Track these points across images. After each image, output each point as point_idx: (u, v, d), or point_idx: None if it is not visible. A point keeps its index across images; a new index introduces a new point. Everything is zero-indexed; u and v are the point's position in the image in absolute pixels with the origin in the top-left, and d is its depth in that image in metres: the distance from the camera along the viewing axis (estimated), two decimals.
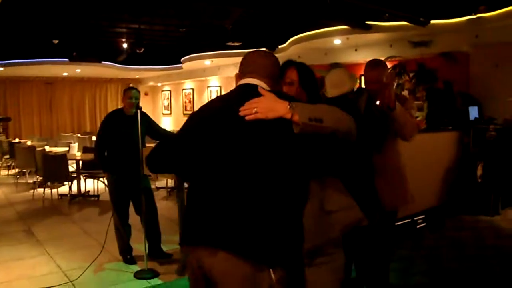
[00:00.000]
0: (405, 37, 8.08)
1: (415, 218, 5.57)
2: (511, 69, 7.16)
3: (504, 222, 5.98)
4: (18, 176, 9.90)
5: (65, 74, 15.48)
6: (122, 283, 4.21)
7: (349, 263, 2.94)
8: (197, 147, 1.82)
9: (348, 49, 9.60)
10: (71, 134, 14.25)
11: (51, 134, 15.55)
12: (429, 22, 7.10)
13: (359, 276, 3.28)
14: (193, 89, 16.13)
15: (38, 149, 8.75)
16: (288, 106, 1.70)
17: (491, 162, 6.34)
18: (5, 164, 11.39)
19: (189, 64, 13.16)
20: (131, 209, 4.73)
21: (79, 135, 13.54)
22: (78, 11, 8.11)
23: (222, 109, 1.86)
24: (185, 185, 4.05)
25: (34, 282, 4.22)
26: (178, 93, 17.10)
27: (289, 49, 9.85)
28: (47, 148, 9.73)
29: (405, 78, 7.97)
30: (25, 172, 10.05)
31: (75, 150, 10.27)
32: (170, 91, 17.68)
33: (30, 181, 9.47)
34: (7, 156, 11.01)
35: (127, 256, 4.70)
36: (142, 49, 9.51)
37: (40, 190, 7.98)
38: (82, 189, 8.23)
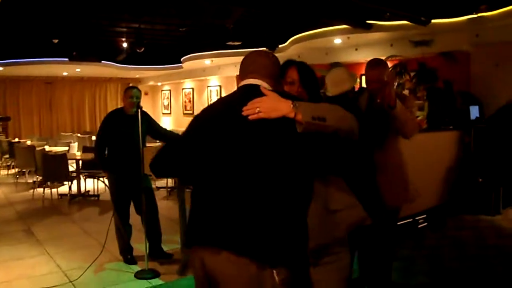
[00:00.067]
0: (406, 36, 8.06)
1: (416, 218, 5.57)
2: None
3: (505, 221, 5.98)
4: (17, 176, 9.89)
5: (65, 73, 15.46)
6: (123, 283, 4.20)
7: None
8: (201, 149, 1.82)
9: (349, 49, 9.58)
10: (71, 133, 14.24)
11: (51, 134, 15.52)
12: (430, 22, 7.08)
13: (362, 275, 3.28)
14: (193, 89, 16.12)
15: (37, 148, 8.74)
16: (291, 105, 1.70)
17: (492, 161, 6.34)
18: (4, 164, 11.38)
19: (189, 63, 13.14)
20: (132, 208, 4.72)
21: (79, 134, 13.53)
22: (78, 10, 8.09)
23: (225, 110, 1.86)
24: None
25: (34, 282, 4.21)
26: (178, 93, 17.08)
27: (289, 49, 9.83)
28: (47, 148, 9.71)
29: (405, 77, 7.95)
30: (24, 171, 10.04)
31: (75, 150, 10.26)
32: (170, 90, 17.66)
33: (30, 180, 9.46)
34: (7, 156, 11.00)
35: (128, 256, 4.69)
36: (143, 49, 9.49)
37: (40, 189, 7.97)
38: (82, 188, 8.22)
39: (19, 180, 9.70)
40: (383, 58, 6.14)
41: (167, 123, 17.01)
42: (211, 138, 1.80)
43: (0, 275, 4.38)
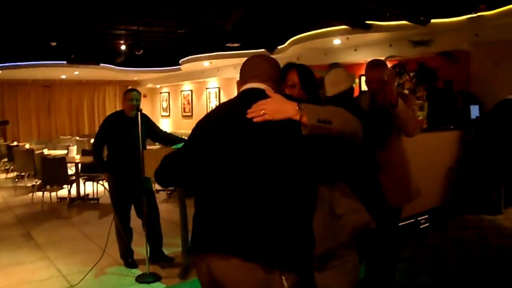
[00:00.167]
0: (405, 36, 8.05)
1: (418, 218, 5.55)
2: (511, 68, 7.14)
3: (507, 221, 5.96)
4: (16, 180, 9.84)
5: (63, 76, 15.43)
6: (124, 287, 4.17)
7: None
8: (206, 154, 1.80)
9: (348, 49, 9.58)
10: (69, 137, 14.21)
11: (50, 137, 15.50)
12: (429, 21, 7.07)
13: (367, 276, 3.27)
14: (191, 91, 16.10)
15: (36, 152, 8.71)
16: (297, 108, 1.68)
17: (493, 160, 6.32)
18: (3, 168, 11.34)
19: (187, 65, 13.12)
20: (132, 211, 4.69)
21: (77, 137, 13.50)
22: (76, 12, 8.07)
23: (228, 114, 1.84)
24: None
25: (35, 287, 4.17)
26: (176, 95, 17.06)
27: (288, 50, 9.82)
28: (46, 151, 9.69)
29: (405, 77, 7.94)
30: (23, 175, 9.99)
31: (74, 153, 10.23)
32: (168, 93, 17.64)
33: (29, 184, 9.42)
34: (6, 160, 10.97)
35: (129, 260, 4.65)
36: (141, 51, 9.47)
37: (39, 193, 7.94)
38: (82, 192, 8.19)
39: (18, 184, 9.66)
40: (383, 58, 6.19)
41: (166, 125, 17.00)
42: (216, 143, 1.79)
43: (0, 280, 4.35)
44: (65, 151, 10.02)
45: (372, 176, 2.92)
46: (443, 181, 6.24)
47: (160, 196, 8.09)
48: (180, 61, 13.00)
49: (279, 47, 9.97)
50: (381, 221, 2.53)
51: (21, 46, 11.05)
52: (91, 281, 4.27)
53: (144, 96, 17.46)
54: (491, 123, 6.16)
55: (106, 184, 5.04)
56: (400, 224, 4.47)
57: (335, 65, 9.52)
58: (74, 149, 10.62)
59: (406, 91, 7.96)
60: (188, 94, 16.30)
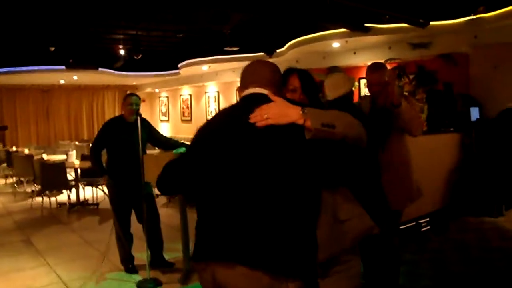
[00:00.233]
0: (404, 39, 8.05)
1: (419, 221, 5.54)
2: (511, 70, 7.14)
3: (508, 223, 5.94)
4: (16, 185, 9.82)
5: (61, 81, 15.42)
6: None
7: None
8: (208, 161, 1.78)
9: (347, 52, 9.57)
10: (68, 142, 14.21)
11: (49, 142, 15.49)
12: (429, 24, 7.07)
13: (370, 280, 3.25)
14: (190, 95, 16.09)
15: (35, 157, 8.69)
16: (301, 112, 1.66)
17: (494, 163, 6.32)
18: (2, 173, 11.31)
19: (186, 69, 13.11)
20: (132, 217, 4.67)
21: (76, 142, 13.49)
22: (75, 17, 8.06)
23: (230, 119, 1.83)
24: None
25: None
26: (175, 99, 17.06)
27: (287, 53, 9.81)
28: (45, 157, 9.65)
29: (404, 80, 7.93)
30: (23, 180, 9.97)
31: (73, 158, 10.22)
32: (167, 97, 17.64)
33: (28, 190, 9.39)
34: (5, 165, 10.94)
35: (129, 266, 4.63)
36: (140, 55, 9.46)
37: (39, 199, 7.92)
38: (81, 197, 8.17)
39: (17, 190, 9.64)
40: (382, 61, 6.18)
41: (165, 130, 16.98)
42: (218, 149, 1.77)
43: (1, 286, 4.32)
44: (64, 156, 10.01)
45: (374, 180, 2.92)
46: (444, 183, 6.23)
47: (160, 201, 8.06)
48: (179, 65, 13.00)
49: (278, 50, 9.96)
50: (383, 225, 2.52)
51: (19, 51, 11.03)
52: (91, 287, 4.25)
53: (143, 101, 17.45)
54: (494, 133, 6.18)
55: (105, 189, 5.01)
56: (401, 227, 4.46)
57: (334, 69, 9.52)
58: (73, 154, 10.61)
59: (406, 94, 7.97)
60: (187, 98, 16.30)
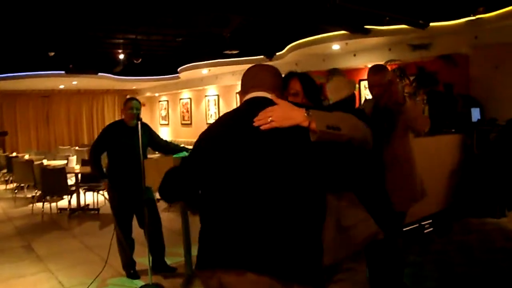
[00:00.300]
0: (404, 40, 8.04)
1: (422, 223, 5.51)
2: (511, 70, 7.12)
3: None
4: (16, 191, 9.79)
5: (61, 86, 15.42)
6: None
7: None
8: (212, 166, 1.76)
9: (347, 55, 9.56)
10: (68, 147, 14.18)
11: (49, 148, 15.47)
12: (429, 25, 7.05)
13: (374, 283, 3.23)
14: (190, 99, 16.08)
15: (36, 163, 8.66)
16: (305, 114, 1.64)
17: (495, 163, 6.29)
18: (2, 179, 11.29)
19: (186, 73, 13.10)
20: (134, 222, 4.64)
21: (77, 147, 13.47)
22: (74, 22, 8.05)
23: (233, 124, 1.80)
24: None
25: None
26: (175, 103, 17.05)
27: (287, 56, 9.80)
28: (45, 162, 9.63)
29: (405, 81, 7.92)
30: (23, 186, 9.94)
31: (74, 163, 10.19)
32: (167, 101, 17.63)
33: (29, 195, 9.37)
34: (5, 171, 10.92)
35: (131, 271, 4.60)
36: (140, 60, 9.46)
37: (39, 204, 7.89)
38: (82, 202, 8.14)
39: (17, 195, 9.60)
40: (382, 63, 6.16)
41: (165, 134, 16.97)
42: (222, 154, 1.74)
43: None
44: (64, 161, 9.99)
45: (378, 182, 2.90)
46: (446, 185, 6.20)
47: (161, 205, 8.01)
48: (179, 69, 12.99)
49: (277, 53, 9.95)
50: (388, 228, 2.50)
51: (19, 56, 11.04)
52: None
53: (143, 105, 17.41)
54: (502, 142, 6.17)
55: (106, 194, 4.98)
56: (404, 229, 4.44)
57: (334, 71, 9.52)
58: (73, 159, 10.58)
59: (406, 95, 7.96)
60: (187, 102, 16.29)
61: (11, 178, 10.56)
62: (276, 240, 1.59)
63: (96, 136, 4.89)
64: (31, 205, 8.35)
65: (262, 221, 1.61)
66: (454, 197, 6.23)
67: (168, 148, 4.72)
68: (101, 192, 7.79)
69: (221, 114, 13.91)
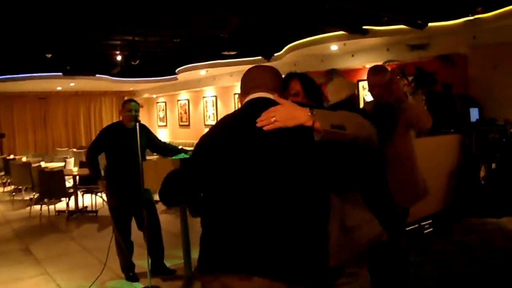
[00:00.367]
0: (402, 40, 8.04)
1: (422, 223, 5.50)
2: (510, 70, 7.12)
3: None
4: (14, 193, 9.74)
5: (59, 88, 15.38)
6: None
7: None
8: (215, 168, 1.73)
9: (345, 55, 9.56)
10: (66, 149, 14.13)
11: (46, 150, 15.43)
12: (427, 25, 7.05)
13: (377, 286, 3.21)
14: (188, 100, 16.06)
15: (33, 165, 8.63)
16: (309, 113, 1.61)
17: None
18: (0, 181, 11.24)
19: (184, 74, 13.08)
20: (133, 224, 4.61)
21: (74, 149, 13.41)
22: (72, 24, 8.03)
23: (235, 125, 1.78)
24: None
25: None
26: (173, 105, 17.03)
27: (285, 57, 9.80)
28: (43, 164, 9.60)
29: (403, 82, 7.90)
30: (21, 188, 9.90)
31: (71, 165, 10.15)
32: (165, 102, 17.60)
33: (27, 198, 9.32)
34: (2, 173, 10.89)
35: (130, 273, 4.57)
36: (137, 61, 9.43)
37: (37, 207, 7.85)
38: (80, 204, 8.10)
39: (15, 198, 9.56)
40: (380, 63, 6.16)
41: (163, 135, 16.94)
42: (225, 155, 1.71)
43: None
44: (62, 164, 9.94)
45: (382, 181, 2.89)
46: (445, 185, 6.20)
47: (160, 207, 7.98)
48: (177, 70, 12.97)
49: (275, 54, 9.94)
50: (391, 228, 2.49)
51: (16, 58, 11.00)
52: None
53: (141, 106, 17.38)
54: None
55: (104, 196, 4.96)
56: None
57: (332, 72, 9.52)
58: (71, 161, 10.55)
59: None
60: (185, 103, 16.26)
61: (8, 181, 10.51)
62: (282, 243, 1.56)
63: (93, 138, 4.86)
64: (29, 207, 8.31)
65: (267, 224, 1.58)
66: (454, 197, 6.23)
67: (167, 149, 4.70)
68: (99, 194, 7.75)
69: (219, 115, 13.94)
